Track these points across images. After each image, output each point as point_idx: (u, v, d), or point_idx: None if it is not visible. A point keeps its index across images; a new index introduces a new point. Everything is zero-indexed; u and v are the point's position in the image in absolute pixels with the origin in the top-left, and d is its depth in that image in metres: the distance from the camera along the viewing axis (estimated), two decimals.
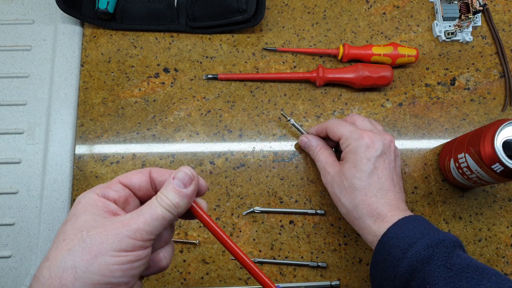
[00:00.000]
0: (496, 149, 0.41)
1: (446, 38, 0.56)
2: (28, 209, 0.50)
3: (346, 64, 0.56)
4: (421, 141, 0.54)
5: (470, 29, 0.57)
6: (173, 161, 0.53)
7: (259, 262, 0.50)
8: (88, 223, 0.28)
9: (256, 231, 0.51)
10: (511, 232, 0.51)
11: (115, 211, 0.30)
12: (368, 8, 0.58)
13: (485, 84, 0.56)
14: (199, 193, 0.33)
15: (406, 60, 0.54)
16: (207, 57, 0.56)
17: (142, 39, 0.56)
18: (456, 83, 0.56)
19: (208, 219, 0.32)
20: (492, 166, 0.42)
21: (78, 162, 0.52)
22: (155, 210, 0.29)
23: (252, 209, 0.51)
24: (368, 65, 0.53)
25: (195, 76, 0.55)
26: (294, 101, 0.55)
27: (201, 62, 0.56)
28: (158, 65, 0.56)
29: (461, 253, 0.36)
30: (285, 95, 0.55)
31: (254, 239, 0.51)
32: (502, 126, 0.41)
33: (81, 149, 0.53)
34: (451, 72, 0.56)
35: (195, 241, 0.50)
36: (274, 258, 0.50)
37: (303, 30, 0.57)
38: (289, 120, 0.51)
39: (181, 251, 0.50)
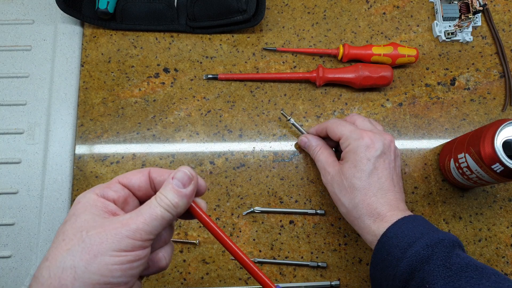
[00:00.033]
0: (496, 149, 0.41)
1: (446, 38, 0.56)
2: (28, 209, 0.50)
3: (346, 64, 0.56)
4: (421, 141, 0.54)
5: (470, 29, 0.57)
6: (173, 161, 0.53)
7: (259, 262, 0.50)
8: (87, 223, 0.28)
9: (256, 231, 0.51)
10: (511, 232, 0.51)
11: (115, 211, 0.30)
12: (368, 8, 0.58)
13: (485, 84, 0.56)
14: (198, 193, 0.33)
15: (406, 60, 0.54)
16: (207, 57, 0.56)
17: (142, 39, 0.56)
18: (456, 83, 0.56)
19: (207, 219, 0.32)
20: (492, 166, 0.42)
21: (78, 162, 0.52)
22: (154, 210, 0.29)
23: (252, 209, 0.51)
24: (368, 65, 0.53)
25: (195, 76, 0.55)
26: (294, 101, 0.55)
27: (201, 62, 0.56)
28: (158, 65, 0.56)
29: (461, 252, 0.36)
30: (285, 95, 0.55)
31: (254, 239, 0.51)
32: (502, 126, 0.41)
33: (81, 149, 0.53)
34: (451, 72, 0.56)
35: (195, 241, 0.50)
36: (274, 258, 0.50)
37: (303, 30, 0.57)
38: (289, 120, 0.51)
39: (181, 251, 0.50)
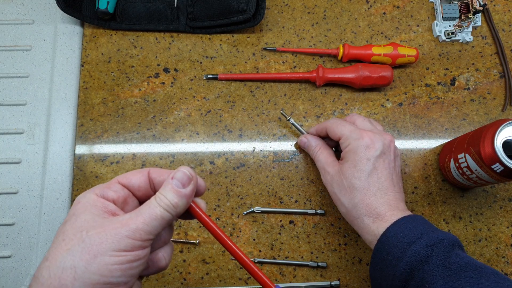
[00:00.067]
0: (496, 149, 0.41)
1: (446, 38, 0.56)
2: (28, 209, 0.50)
3: (346, 64, 0.56)
4: (421, 141, 0.54)
5: (470, 29, 0.56)
6: (173, 161, 0.53)
7: (259, 262, 0.50)
8: (87, 223, 0.28)
9: (256, 231, 0.51)
10: (511, 232, 0.51)
11: (114, 211, 0.30)
12: (368, 8, 0.58)
13: (485, 84, 0.56)
14: (198, 193, 0.33)
15: (406, 60, 0.54)
16: (207, 57, 0.56)
17: (142, 39, 0.56)
18: (456, 83, 0.56)
19: (207, 219, 0.32)
20: (492, 166, 0.42)
21: (78, 162, 0.52)
22: (154, 210, 0.29)
23: (252, 209, 0.51)
24: (368, 65, 0.53)
25: (195, 76, 0.56)
26: (294, 101, 0.55)
27: (201, 62, 0.56)
28: (158, 65, 0.56)
29: (460, 252, 0.36)
30: (285, 95, 0.55)
31: (254, 239, 0.51)
32: (502, 126, 0.41)
33: (81, 149, 0.53)
34: (451, 72, 0.56)
35: (195, 241, 0.50)
36: (274, 258, 0.50)
37: (303, 30, 0.57)
38: (289, 119, 0.51)
39: (181, 251, 0.50)
